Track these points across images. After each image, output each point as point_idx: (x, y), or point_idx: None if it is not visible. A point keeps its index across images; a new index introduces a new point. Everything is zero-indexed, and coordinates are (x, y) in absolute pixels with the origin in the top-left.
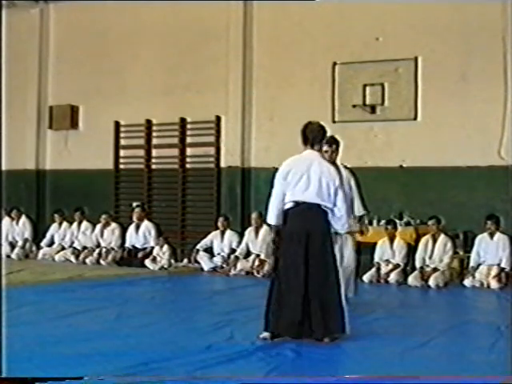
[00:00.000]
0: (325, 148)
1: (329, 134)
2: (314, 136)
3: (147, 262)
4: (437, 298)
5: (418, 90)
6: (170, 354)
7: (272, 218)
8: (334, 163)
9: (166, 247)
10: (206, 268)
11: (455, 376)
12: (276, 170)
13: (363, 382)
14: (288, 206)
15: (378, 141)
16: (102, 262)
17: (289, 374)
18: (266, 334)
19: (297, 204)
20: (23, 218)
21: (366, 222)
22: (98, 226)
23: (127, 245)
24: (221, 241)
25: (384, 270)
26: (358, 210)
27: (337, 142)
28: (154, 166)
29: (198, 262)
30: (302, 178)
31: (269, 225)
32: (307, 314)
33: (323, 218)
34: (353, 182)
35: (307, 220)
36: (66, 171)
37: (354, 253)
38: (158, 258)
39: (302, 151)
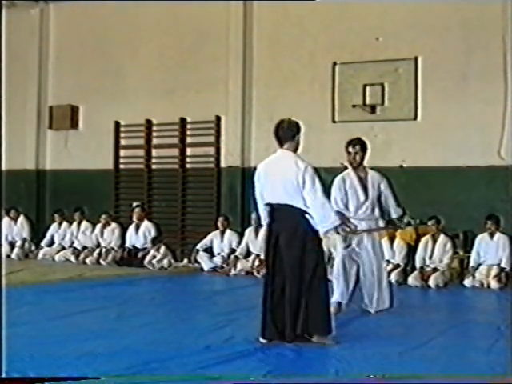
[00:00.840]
0: (349, 149)
1: (328, 133)
2: (283, 134)
3: (146, 263)
4: (437, 298)
5: (418, 89)
6: (170, 354)
7: (261, 219)
8: (358, 165)
9: (162, 249)
10: (205, 268)
11: (455, 376)
12: None
13: (364, 382)
14: (266, 208)
15: (378, 141)
16: (101, 261)
17: (288, 374)
18: (263, 341)
19: (270, 206)
20: (21, 218)
21: (406, 221)
22: (98, 226)
23: (127, 245)
24: (221, 241)
25: None
26: (395, 211)
27: (361, 144)
28: (154, 166)
29: (198, 262)
30: (270, 179)
31: None
32: (291, 317)
33: (296, 219)
34: (383, 185)
35: (276, 221)
36: (65, 171)
37: (378, 258)
38: (155, 260)
39: (300, 151)
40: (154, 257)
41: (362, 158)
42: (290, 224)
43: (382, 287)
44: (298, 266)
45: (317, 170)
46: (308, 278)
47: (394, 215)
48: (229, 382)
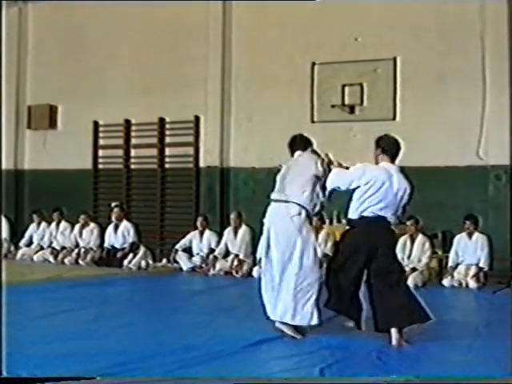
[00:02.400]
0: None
1: (307, 134)
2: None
3: (125, 263)
4: None
5: (397, 90)
6: (149, 354)
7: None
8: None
9: (142, 249)
10: (184, 268)
11: (454, 378)
12: (255, 169)
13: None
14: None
15: (357, 141)
16: (80, 262)
17: (271, 373)
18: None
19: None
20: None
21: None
22: (77, 226)
23: (106, 245)
24: (200, 241)
25: None
26: None
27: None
28: (132, 166)
29: (177, 262)
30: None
31: None
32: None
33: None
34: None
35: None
36: (44, 171)
37: (313, 260)
38: (134, 261)
39: (279, 151)
40: (135, 256)
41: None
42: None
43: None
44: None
45: None
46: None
47: None
48: (229, 382)
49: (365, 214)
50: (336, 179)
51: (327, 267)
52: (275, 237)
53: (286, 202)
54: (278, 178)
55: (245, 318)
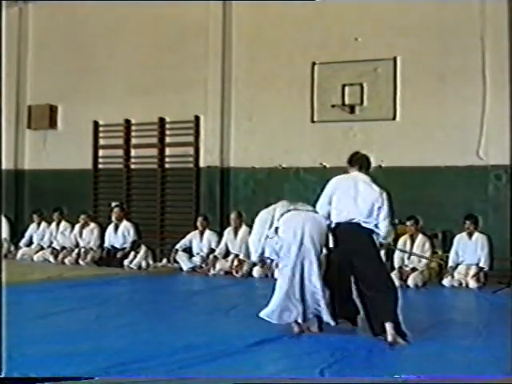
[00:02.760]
0: None
1: (307, 134)
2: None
3: (126, 263)
4: (416, 297)
5: (397, 90)
6: (150, 354)
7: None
8: None
9: (143, 249)
10: (185, 268)
11: (454, 377)
12: (255, 169)
13: (362, 383)
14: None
15: (357, 140)
16: (80, 262)
17: (271, 373)
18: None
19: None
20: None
21: None
22: (77, 226)
23: (106, 245)
24: (200, 241)
25: None
26: None
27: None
28: (132, 166)
29: (177, 262)
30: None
31: None
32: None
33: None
34: None
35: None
36: (44, 171)
37: None
38: (135, 261)
39: (279, 151)
40: (135, 257)
41: None
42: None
43: None
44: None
45: (297, 170)
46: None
47: None
48: (229, 382)
49: (339, 220)
50: (319, 210)
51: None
52: None
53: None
54: None
55: (245, 318)
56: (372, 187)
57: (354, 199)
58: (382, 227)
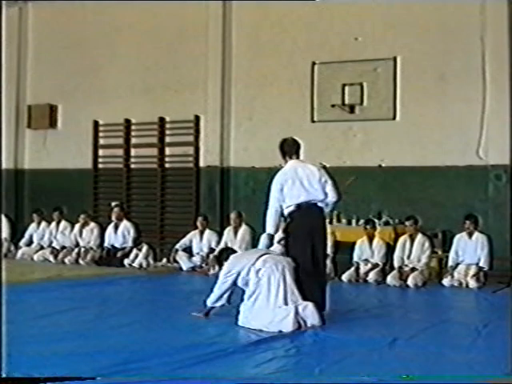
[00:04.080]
0: None
1: (307, 133)
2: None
3: (129, 262)
4: (415, 297)
5: (397, 89)
6: (150, 354)
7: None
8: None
9: (145, 248)
10: (184, 268)
11: (454, 377)
12: (255, 169)
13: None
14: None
15: (357, 140)
16: (80, 261)
17: (271, 373)
18: None
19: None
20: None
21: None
22: (77, 226)
23: (106, 244)
24: (200, 240)
25: (363, 269)
26: None
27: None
28: (132, 166)
29: (177, 262)
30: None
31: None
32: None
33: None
34: None
35: (307, 217)
36: (44, 171)
37: None
38: (137, 260)
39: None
40: (137, 256)
41: None
42: (320, 218)
43: None
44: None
45: None
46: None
47: None
48: (228, 382)
49: (297, 202)
50: (273, 202)
51: None
52: None
53: None
54: None
55: None
56: (311, 168)
57: (303, 183)
58: (332, 194)
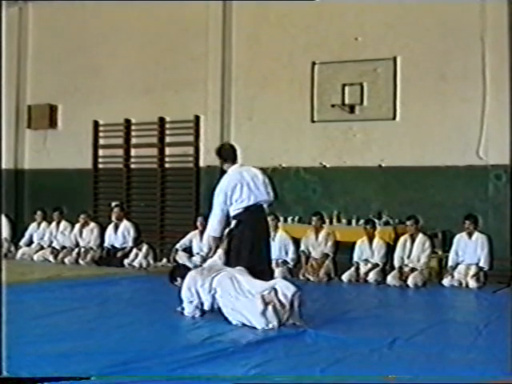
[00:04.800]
0: None
1: (307, 133)
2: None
3: (129, 261)
4: (415, 297)
5: (397, 89)
6: (150, 354)
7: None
8: None
9: (145, 248)
10: None
11: (454, 377)
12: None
13: (362, 383)
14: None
15: (357, 140)
16: (80, 261)
17: (271, 373)
18: None
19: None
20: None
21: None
22: (77, 226)
23: (106, 244)
24: (200, 240)
25: (363, 269)
26: None
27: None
28: (132, 166)
29: (177, 262)
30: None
31: None
32: None
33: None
34: None
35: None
36: (44, 171)
37: None
38: (137, 259)
39: (279, 150)
40: (137, 256)
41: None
42: (265, 219)
43: None
44: None
45: (298, 170)
46: None
47: None
48: (229, 382)
49: (246, 205)
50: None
51: None
52: None
53: None
54: None
55: None
56: (254, 171)
57: (250, 186)
58: (272, 194)
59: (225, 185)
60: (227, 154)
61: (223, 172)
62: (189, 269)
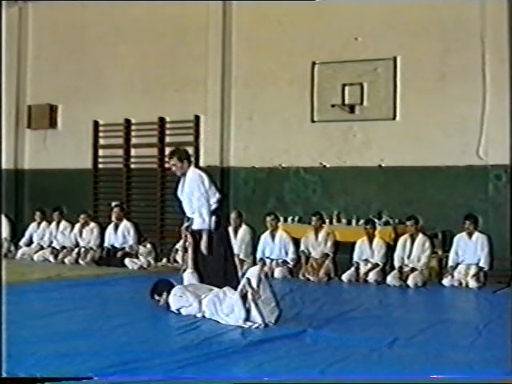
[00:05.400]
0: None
1: (307, 133)
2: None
3: (126, 262)
4: (415, 297)
5: (397, 89)
6: (149, 354)
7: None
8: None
9: (148, 245)
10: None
11: (454, 377)
12: (255, 169)
13: (361, 383)
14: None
15: (357, 140)
16: (80, 261)
17: (271, 373)
18: None
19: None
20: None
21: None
22: (77, 226)
23: (106, 244)
24: None
25: (363, 269)
26: None
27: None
28: (132, 166)
29: (177, 262)
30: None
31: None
32: None
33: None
34: None
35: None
36: (44, 171)
37: None
38: (141, 256)
39: (279, 150)
40: (137, 256)
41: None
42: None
43: None
44: None
45: (297, 170)
46: None
47: None
48: (229, 382)
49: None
50: None
51: None
52: None
53: None
54: None
55: None
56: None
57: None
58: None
59: (205, 179)
60: (188, 156)
61: (223, 172)
62: (172, 285)
